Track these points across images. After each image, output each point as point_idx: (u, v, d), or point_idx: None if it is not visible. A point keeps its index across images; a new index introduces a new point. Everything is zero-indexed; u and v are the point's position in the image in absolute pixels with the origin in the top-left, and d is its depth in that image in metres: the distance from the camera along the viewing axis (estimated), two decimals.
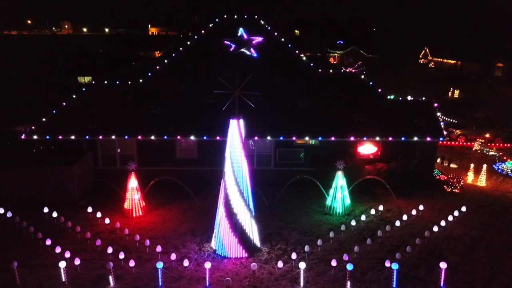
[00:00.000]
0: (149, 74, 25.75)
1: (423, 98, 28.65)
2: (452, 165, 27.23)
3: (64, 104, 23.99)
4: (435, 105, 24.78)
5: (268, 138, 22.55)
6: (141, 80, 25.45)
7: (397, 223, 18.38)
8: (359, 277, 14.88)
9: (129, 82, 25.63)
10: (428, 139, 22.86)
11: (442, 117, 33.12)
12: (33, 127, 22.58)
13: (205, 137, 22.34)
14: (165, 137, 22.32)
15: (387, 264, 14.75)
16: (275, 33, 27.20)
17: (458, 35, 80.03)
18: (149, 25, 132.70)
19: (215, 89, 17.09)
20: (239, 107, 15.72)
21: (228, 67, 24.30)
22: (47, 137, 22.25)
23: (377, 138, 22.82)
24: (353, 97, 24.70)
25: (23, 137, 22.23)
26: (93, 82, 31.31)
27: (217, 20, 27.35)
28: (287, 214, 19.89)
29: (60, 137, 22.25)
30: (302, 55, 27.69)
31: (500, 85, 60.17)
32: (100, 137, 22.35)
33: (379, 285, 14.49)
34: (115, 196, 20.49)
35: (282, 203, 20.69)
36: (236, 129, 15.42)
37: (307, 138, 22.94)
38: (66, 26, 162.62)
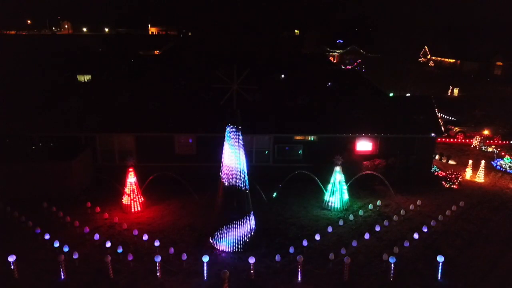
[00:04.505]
0: (148, 71, 25.79)
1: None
2: (451, 162, 27.25)
3: (63, 101, 24.00)
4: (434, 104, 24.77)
5: (267, 134, 22.61)
6: (140, 77, 25.49)
7: (395, 218, 18.42)
8: (357, 270, 14.92)
9: (128, 79, 25.68)
10: (426, 135, 22.91)
11: (441, 114, 33.14)
12: (32, 124, 22.60)
13: (204, 133, 22.39)
14: (162, 133, 22.36)
15: (385, 257, 14.81)
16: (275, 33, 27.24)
17: (457, 34, 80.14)
18: (149, 25, 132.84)
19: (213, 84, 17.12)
20: (237, 102, 15.73)
21: (227, 63, 24.33)
22: (46, 133, 22.29)
23: (375, 134, 22.91)
24: (352, 93, 24.77)
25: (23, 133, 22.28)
26: (93, 80, 31.34)
27: None
28: (285, 209, 19.92)
29: (59, 133, 22.31)
30: (301, 52, 27.70)
31: (499, 84, 60.28)
32: (99, 133, 22.40)
33: (376, 278, 14.53)
34: (114, 192, 20.54)
35: (280, 199, 20.72)
36: (235, 123, 15.43)
37: (305, 134, 22.98)
38: (66, 26, 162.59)
